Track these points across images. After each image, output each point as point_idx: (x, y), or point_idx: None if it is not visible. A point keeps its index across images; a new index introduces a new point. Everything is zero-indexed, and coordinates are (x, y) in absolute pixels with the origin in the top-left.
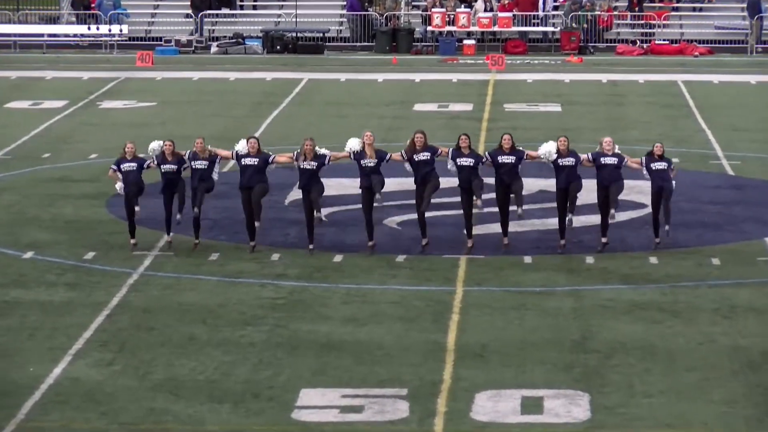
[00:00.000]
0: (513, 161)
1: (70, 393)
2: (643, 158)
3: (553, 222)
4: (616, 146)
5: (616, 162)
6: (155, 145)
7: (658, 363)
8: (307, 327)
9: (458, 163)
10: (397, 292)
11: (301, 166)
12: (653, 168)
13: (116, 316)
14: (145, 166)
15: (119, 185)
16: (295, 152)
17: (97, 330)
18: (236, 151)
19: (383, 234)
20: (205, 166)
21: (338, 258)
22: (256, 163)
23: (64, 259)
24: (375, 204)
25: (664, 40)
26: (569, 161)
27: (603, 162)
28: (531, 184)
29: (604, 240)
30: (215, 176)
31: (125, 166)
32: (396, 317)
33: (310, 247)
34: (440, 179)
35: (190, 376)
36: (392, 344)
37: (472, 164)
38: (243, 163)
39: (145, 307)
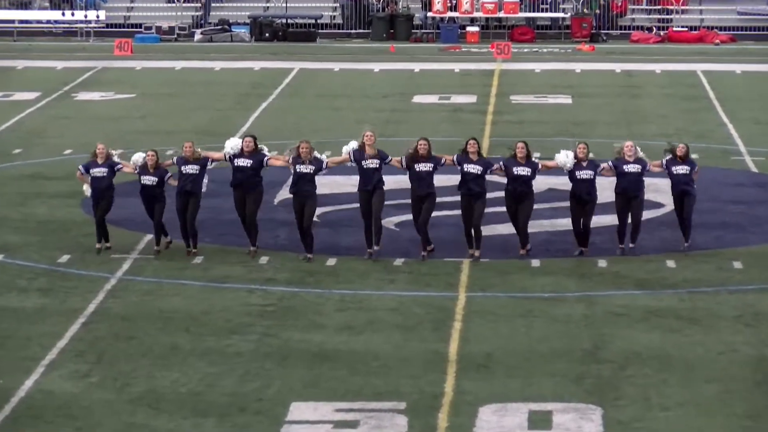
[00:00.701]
0: (528, 174)
1: (44, 407)
2: (664, 160)
3: (562, 223)
4: (638, 149)
5: (639, 169)
6: (138, 158)
7: (675, 374)
8: (299, 336)
9: (465, 169)
10: (396, 298)
11: (298, 170)
12: (674, 171)
13: (93, 324)
14: (116, 169)
15: (87, 189)
16: (290, 156)
17: (72, 339)
18: (228, 154)
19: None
20: (197, 171)
21: (332, 261)
22: (250, 164)
23: (37, 262)
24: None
25: (682, 26)
26: (587, 174)
27: (625, 170)
28: (540, 182)
29: (622, 246)
30: (204, 186)
31: (95, 171)
32: (394, 325)
33: (309, 256)
34: (444, 181)
35: (172, 388)
36: (390, 354)
37: (480, 172)
38: (236, 164)
39: (124, 314)
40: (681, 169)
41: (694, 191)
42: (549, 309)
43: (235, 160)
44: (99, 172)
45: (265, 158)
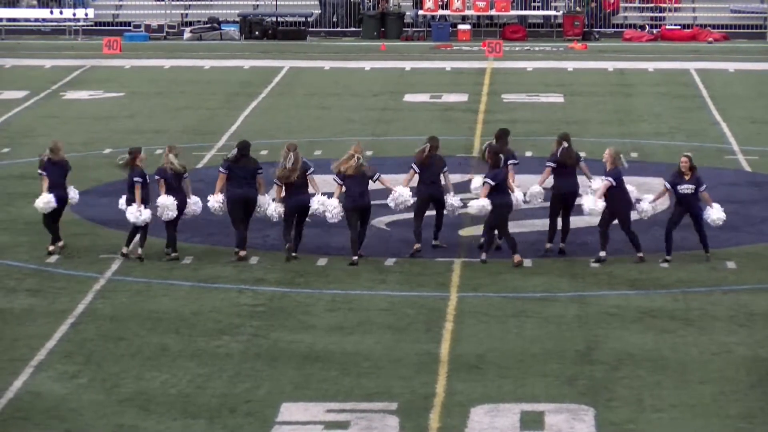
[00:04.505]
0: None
1: (32, 408)
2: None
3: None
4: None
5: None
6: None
7: (669, 375)
8: (289, 336)
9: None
10: (387, 299)
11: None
12: (679, 191)
13: (82, 325)
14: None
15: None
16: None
17: (60, 340)
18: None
19: (371, 235)
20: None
21: (322, 261)
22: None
23: (25, 262)
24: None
25: (675, 24)
26: (689, 188)
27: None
28: (531, 181)
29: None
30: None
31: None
32: (385, 326)
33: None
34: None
35: (162, 389)
36: (381, 355)
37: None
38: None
39: (113, 314)
40: (686, 189)
41: (698, 211)
42: (541, 309)
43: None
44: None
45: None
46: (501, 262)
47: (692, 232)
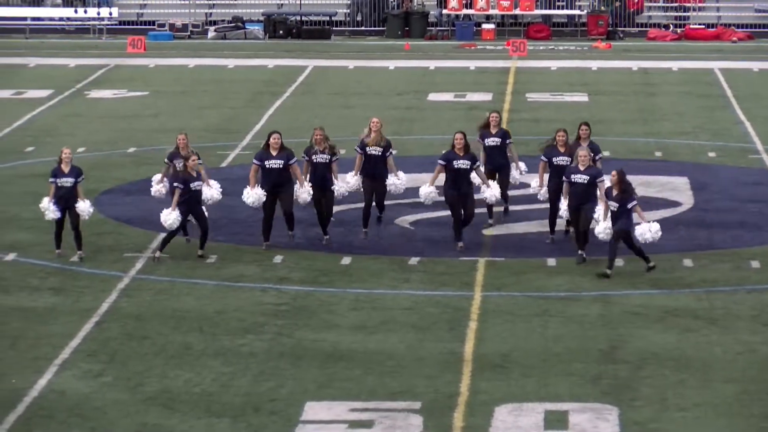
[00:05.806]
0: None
1: (56, 407)
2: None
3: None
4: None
5: (587, 180)
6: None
7: (693, 374)
8: (313, 335)
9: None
10: (410, 298)
11: (314, 160)
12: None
13: (105, 324)
14: (79, 180)
15: (50, 208)
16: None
17: (84, 339)
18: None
19: (395, 234)
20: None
21: (346, 260)
22: (281, 165)
23: (49, 261)
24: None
25: (699, 24)
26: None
27: (573, 179)
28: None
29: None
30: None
31: (61, 181)
32: (409, 325)
33: (326, 237)
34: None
35: (186, 388)
36: (405, 354)
37: (468, 166)
38: (267, 165)
39: (137, 313)
40: (611, 204)
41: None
42: (565, 309)
43: (266, 162)
44: (64, 181)
45: (293, 160)
46: (525, 262)
47: (715, 232)
